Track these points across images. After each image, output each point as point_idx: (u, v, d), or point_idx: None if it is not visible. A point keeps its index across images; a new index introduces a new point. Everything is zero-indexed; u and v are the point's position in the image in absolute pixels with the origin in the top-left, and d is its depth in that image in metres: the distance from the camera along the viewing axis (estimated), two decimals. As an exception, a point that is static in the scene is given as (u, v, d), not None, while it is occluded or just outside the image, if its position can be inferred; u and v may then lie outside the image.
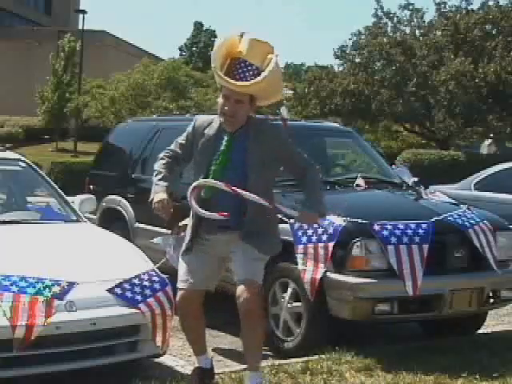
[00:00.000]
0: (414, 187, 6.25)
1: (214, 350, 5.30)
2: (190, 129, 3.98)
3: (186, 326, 4.16)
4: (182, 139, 4.01)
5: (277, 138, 3.90)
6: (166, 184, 3.86)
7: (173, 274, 4.42)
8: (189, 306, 4.06)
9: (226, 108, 3.76)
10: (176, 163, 4.00)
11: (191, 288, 4.03)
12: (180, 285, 4.08)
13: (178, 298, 4.09)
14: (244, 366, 4.71)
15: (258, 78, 3.72)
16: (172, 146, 4.03)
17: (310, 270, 5.06)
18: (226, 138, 3.83)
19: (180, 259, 4.13)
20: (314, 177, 4.03)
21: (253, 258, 3.91)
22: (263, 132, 3.86)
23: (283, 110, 6.25)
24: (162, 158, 3.99)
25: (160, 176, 3.90)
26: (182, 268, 4.09)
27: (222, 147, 3.82)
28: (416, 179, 6.44)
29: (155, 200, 3.80)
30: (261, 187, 3.82)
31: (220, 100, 3.81)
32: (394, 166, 7.58)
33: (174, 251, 4.68)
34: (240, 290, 3.85)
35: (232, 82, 3.71)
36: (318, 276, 5.00)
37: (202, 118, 3.99)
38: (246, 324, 3.84)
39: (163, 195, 3.80)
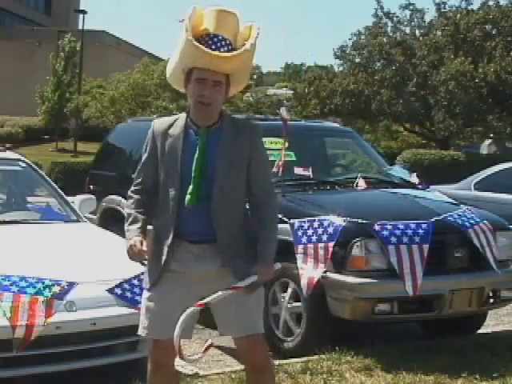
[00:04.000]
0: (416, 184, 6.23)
1: (214, 349, 5.30)
2: (149, 136, 3.25)
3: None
4: (144, 158, 3.29)
5: (253, 137, 3.21)
6: (137, 225, 3.18)
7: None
8: (166, 360, 3.25)
9: (203, 94, 3.09)
10: (146, 195, 3.26)
11: (167, 337, 3.12)
12: (150, 333, 3.22)
13: (152, 349, 3.27)
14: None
15: (246, 47, 3.11)
16: (136, 175, 3.31)
17: (309, 268, 5.06)
18: (198, 134, 3.16)
19: (144, 298, 3.26)
20: (273, 215, 3.25)
21: (249, 303, 3.17)
22: (239, 128, 3.21)
23: (283, 111, 6.25)
24: (129, 197, 3.29)
25: (130, 219, 3.21)
26: (148, 310, 3.21)
27: (198, 143, 3.14)
28: (414, 174, 6.42)
29: (127, 247, 3.14)
30: (227, 194, 3.13)
31: (192, 88, 3.14)
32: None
33: None
34: (242, 347, 3.26)
35: (216, 53, 3.06)
36: (316, 275, 5.00)
37: (160, 120, 3.29)
38: (257, 381, 3.30)
39: (135, 238, 3.12)
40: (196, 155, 3.12)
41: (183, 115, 3.25)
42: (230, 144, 3.16)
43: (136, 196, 3.27)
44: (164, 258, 3.15)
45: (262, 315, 3.27)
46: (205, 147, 3.13)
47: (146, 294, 3.26)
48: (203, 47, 3.05)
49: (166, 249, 3.15)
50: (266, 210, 3.20)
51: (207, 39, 3.10)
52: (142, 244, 3.11)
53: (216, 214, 3.12)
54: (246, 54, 3.13)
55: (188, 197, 3.10)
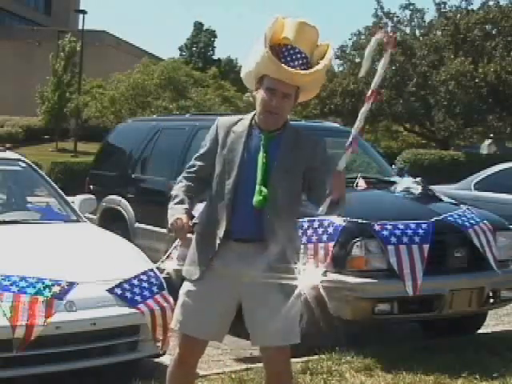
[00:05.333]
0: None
1: (214, 349, 5.29)
2: (212, 131, 3.30)
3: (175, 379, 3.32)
4: (202, 149, 3.32)
5: (314, 150, 3.26)
6: (183, 206, 3.15)
7: (173, 273, 4.39)
8: (189, 358, 3.29)
9: (272, 103, 3.14)
10: (197, 183, 3.27)
11: (200, 336, 3.22)
12: (182, 328, 3.23)
13: (179, 344, 3.27)
14: (244, 366, 4.72)
15: (318, 66, 3.18)
16: (191, 163, 3.34)
17: (309, 269, 5.05)
18: (261, 135, 3.20)
19: (183, 291, 3.24)
20: None
21: (287, 310, 3.14)
22: (300, 139, 3.25)
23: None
24: (179, 182, 3.30)
25: (176, 200, 3.19)
26: (185, 305, 3.22)
27: (261, 146, 3.17)
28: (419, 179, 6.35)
29: (171, 220, 3.08)
30: (280, 199, 3.14)
31: (262, 95, 3.17)
32: (393, 166, 7.57)
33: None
34: (267, 355, 3.23)
35: (291, 70, 3.12)
36: (316, 280, 5.00)
37: (224, 118, 3.36)
38: None
39: (180, 215, 3.08)
40: (261, 158, 3.15)
41: (249, 116, 3.29)
42: (288, 152, 3.19)
43: (187, 182, 3.28)
44: (215, 249, 3.14)
45: (298, 321, 3.24)
46: (267, 151, 3.16)
47: (185, 286, 3.23)
48: (278, 62, 3.11)
49: (217, 241, 3.14)
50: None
51: (284, 50, 3.16)
52: (186, 222, 3.07)
53: (269, 216, 3.11)
54: (317, 72, 3.20)
55: (260, 198, 3.09)
